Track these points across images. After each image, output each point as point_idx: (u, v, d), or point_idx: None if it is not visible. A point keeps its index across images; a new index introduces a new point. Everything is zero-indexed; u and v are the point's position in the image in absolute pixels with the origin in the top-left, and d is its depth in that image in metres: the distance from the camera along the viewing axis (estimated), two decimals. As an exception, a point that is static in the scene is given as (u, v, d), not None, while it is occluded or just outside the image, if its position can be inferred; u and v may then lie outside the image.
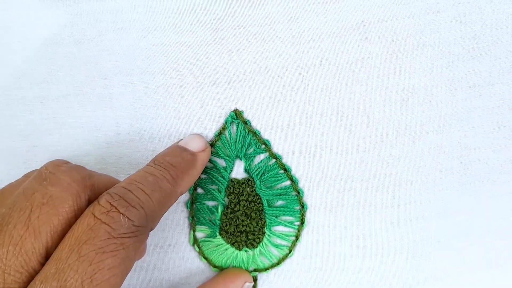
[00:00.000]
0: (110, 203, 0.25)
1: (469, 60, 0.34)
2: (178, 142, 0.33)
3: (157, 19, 0.32)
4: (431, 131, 0.34)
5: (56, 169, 0.26)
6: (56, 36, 0.33)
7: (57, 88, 0.33)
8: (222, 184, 0.34)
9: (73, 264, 0.23)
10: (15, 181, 0.29)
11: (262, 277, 0.36)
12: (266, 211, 0.35)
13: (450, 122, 0.34)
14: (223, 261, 0.36)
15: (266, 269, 0.36)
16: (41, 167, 0.27)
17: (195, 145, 0.32)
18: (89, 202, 0.27)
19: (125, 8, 0.32)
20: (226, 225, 0.35)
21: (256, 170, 0.34)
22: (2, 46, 0.33)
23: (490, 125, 0.35)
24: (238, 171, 0.35)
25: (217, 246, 0.35)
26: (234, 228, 0.35)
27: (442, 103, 0.34)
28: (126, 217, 0.25)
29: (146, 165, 0.30)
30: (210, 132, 0.34)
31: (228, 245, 0.35)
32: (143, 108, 0.34)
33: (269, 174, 0.34)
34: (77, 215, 0.26)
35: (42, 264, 0.24)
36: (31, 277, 0.24)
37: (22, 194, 0.26)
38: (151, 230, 0.27)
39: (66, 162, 0.28)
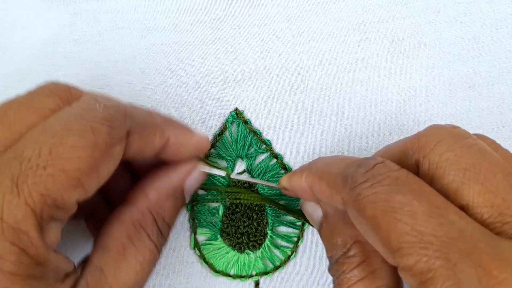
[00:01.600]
0: (91, 96, 0.25)
1: (468, 60, 0.34)
2: None
3: (157, 19, 0.32)
4: (431, 131, 0.34)
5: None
6: (56, 36, 0.33)
7: (57, 88, 0.33)
8: (223, 185, 0.34)
9: (35, 136, 0.22)
10: None
11: (264, 281, 0.36)
12: (267, 211, 0.35)
13: (450, 122, 0.34)
14: (224, 265, 0.35)
15: (268, 272, 0.35)
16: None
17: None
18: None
19: (125, 8, 0.32)
20: (228, 227, 0.35)
21: (258, 169, 0.34)
22: (2, 46, 0.33)
23: (490, 125, 0.35)
24: (239, 171, 0.35)
25: (218, 249, 0.35)
26: (235, 230, 0.35)
27: (441, 103, 0.34)
28: (103, 104, 0.24)
29: None
30: (210, 132, 0.34)
31: (229, 248, 0.35)
32: (143, 108, 0.34)
33: (271, 174, 0.34)
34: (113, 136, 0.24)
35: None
36: None
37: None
38: (129, 137, 0.25)
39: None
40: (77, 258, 0.26)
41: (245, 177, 0.34)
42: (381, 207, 0.21)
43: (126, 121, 0.25)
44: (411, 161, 0.24)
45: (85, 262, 0.25)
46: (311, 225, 0.31)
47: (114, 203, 0.29)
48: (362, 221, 0.22)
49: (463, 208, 0.21)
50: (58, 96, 0.25)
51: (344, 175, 0.23)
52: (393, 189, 0.21)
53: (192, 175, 0.30)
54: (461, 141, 0.23)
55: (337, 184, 0.24)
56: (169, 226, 0.29)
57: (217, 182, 0.34)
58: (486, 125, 0.35)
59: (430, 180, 0.22)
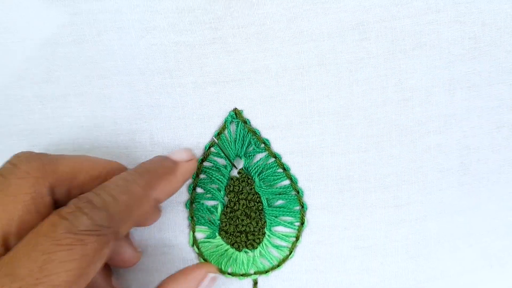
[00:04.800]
0: (76, 205, 0.25)
1: (468, 60, 0.34)
2: None
3: (156, 18, 0.32)
4: (430, 131, 0.34)
5: (16, 159, 0.27)
6: (56, 36, 0.33)
7: (56, 88, 0.34)
8: (222, 183, 0.34)
9: (26, 252, 0.23)
10: None
11: (262, 280, 0.36)
12: (266, 211, 0.35)
13: (450, 122, 0.34)
14: (223, 262, 0.36)
15: (266, 271, 0.36)
16: (5, 161, 0.27)
17: (178, 155, 0.32)
18: (52, 188, 0.27)
19: (124, 8, 0.32)
20: (226, 225, 0.35)
21: (255, 168, 0.34)
22: (2, 46, 0.33)
23: (490, 125, 0.35)
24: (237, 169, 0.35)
25: (216, 247, 0.35)
26: (234, 228, 0.35)
27: (441, 103, 0.34)
28: (88, 215, 0.25)
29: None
30: (209, 131, 0.34)
31: (228, 246, 0.35)
32: (142, 108, 0.34)
33: (267, 172, 0.34)
34: (36, 202, 0.26)
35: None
36: None
37: None
38: (118, 233, 0.27)
39: (30, 152, 0.28)
40: None
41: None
42: None
43: (112, 225, 0.26)
44: None
45: None
46: None
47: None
48: None
49: None
50: (33, 177, 0.26)
51: None
52: None
53: (204, 282, 0.32)
54: None
55: None
56: None
57: (216, 180, 0.34)
58: (486, 125, 0.35)
59: None
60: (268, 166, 0.34)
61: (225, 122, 0.34)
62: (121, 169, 0.31)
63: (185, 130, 0.34)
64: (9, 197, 0.25)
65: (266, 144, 0.34)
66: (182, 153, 0.33)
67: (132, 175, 0.29)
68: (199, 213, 0.35)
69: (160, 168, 0.31)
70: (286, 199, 0.35)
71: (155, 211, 0.33)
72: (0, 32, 0.33)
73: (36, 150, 0.34)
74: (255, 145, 0.34)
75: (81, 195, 0.26)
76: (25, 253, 0.23)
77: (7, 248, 0.25)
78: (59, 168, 0.27)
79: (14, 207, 0.25)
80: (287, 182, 0.34)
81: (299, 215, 0.35)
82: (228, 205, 0.35)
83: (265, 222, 0.35)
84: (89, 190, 0.28)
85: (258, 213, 0.35)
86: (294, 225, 0.35)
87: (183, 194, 0.35)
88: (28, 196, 0.26)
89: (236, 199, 0.35)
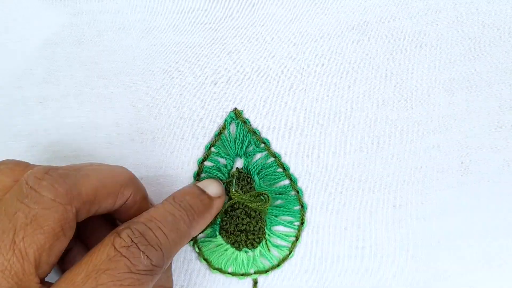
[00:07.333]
0: (131, 239, 0.26)
1: (468, 61, 0.34)
2: (196, 182, 0.33)
3: (157, 19, 0.32)
4: (430, 131, 0.34)
5: (37, 184, 0.25)
6: (56, 36, 0.33)
7: (56, 88, 0.34)
8: (223, 181, 0.34)
9: None
10: None
11: (262, 279, 0.36)
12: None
13: (450, 123, 0.34)
14: (223, 262, 0.36)
15: (266, 271, 0.36)
16: (21, 180, 0.26)
17: (213, 190, 0.32)
18: (77, 211, 0.26)
19: (125, 8, 0.32)
20: (226, 224, 0.35)
21: (254, 166, 0.34)
22: (1, 46, 0.33)
23: (490, 125, 0.35)
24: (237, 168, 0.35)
25: (217, 246, 0.35)
26: (234, 227, 0.35)
27: (441, 104, 0.34)
28: (146, 255, 0.26)
29: (165, 200, 0.30)
30: (209, 132, 0.34)
31: (228, 245, 0.35)
32: (143, 109, 0.34)
33: (267, 171, 0.34)
34: (65, 228, 0.25)
35: (36, 282, 0.25)
36: None
37: (3, 215, 0.25)
38: (164, 269, 0.28)
39: (47, 171, 0.26)
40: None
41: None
42: None
43: (164, 265, 0.27)
44: None
45: None
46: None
47: None
48: None
49: None
50: (61, 205, 0.26)
51: None
52: None
53: None
54: None
55: None
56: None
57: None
58: (486, 126, 0.35)
59: None
60: (267, 165, 0.34)
61: (225, 122, 0.34)
62: (130, 177, 0.30)
63: (185, 130, 0.34)
64: (38, 229, 0.25)
65: (266, 144, 0.34)
66: (216, 188, 0.33)
67: (179, 211, 0.29)
68: (200, 213, 0.35)
69: (200, 206, 0.31)
70: (286, 198, 0.35)
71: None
72: (0, 32, 0.33)
73: (35, 151, 0.34)
74: (255, 145, 0.34)
75: (132, 226, 0.27)
76: None
77: (41, 277, 0.25)
78: (82, 191, 0.26)
79: (44, 239, 0.25)
80: (286, 181, 0.35)
81: (299, 215, 0.35)
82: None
83: (265, 221, 0.35)
84: (106, 205, 0.28)
85: (258, 212, 0.35)
86: (294, 225, 0.35)
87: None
88: (57, 224, 0.25)
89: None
